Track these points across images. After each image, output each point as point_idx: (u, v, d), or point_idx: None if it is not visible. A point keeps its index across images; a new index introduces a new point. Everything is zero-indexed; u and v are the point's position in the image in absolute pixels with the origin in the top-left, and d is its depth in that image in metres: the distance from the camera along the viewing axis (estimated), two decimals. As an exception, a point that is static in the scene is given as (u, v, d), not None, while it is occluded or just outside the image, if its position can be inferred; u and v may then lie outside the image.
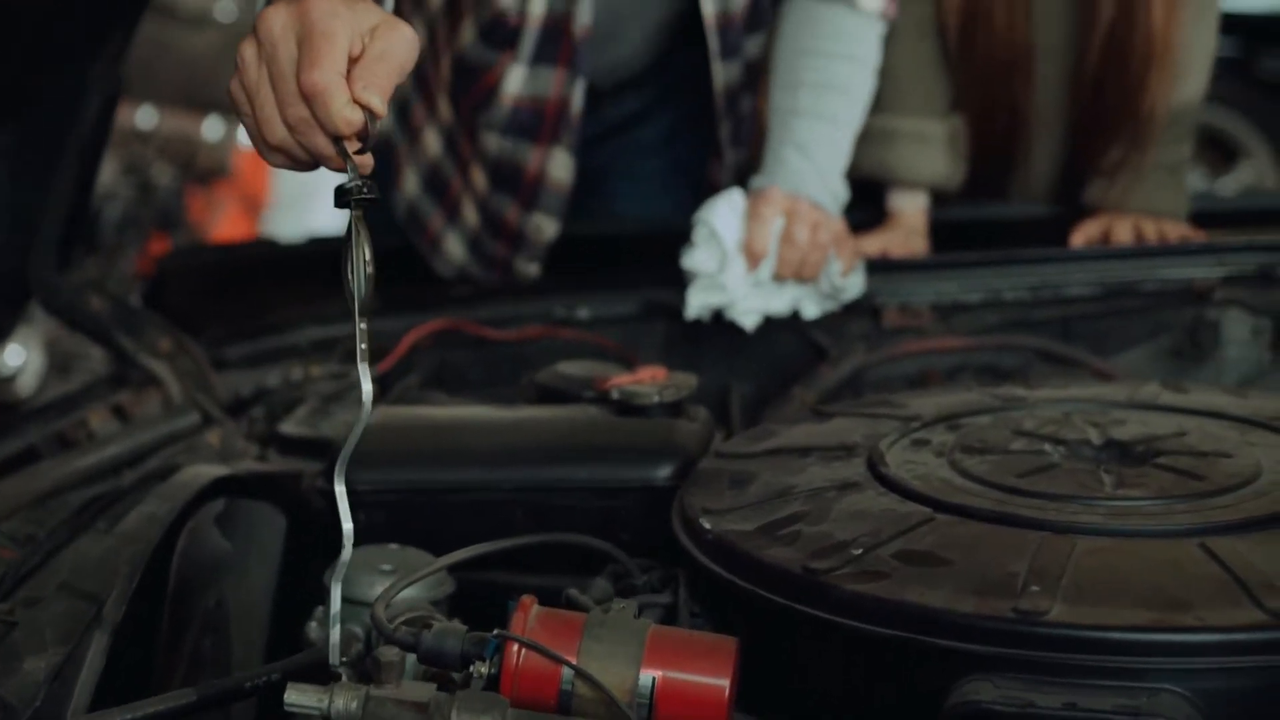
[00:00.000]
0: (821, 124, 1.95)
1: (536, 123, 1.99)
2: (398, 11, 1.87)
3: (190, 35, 4.75)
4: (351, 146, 1.11)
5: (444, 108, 2.08)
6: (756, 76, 2.14)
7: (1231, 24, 5.03)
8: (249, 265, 2.25)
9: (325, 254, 2.31)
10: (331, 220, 4.96)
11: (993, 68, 2.06)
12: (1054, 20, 2.07)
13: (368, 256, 1.08)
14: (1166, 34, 2.02)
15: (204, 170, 4.51)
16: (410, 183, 2.14)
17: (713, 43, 2.02)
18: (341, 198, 1.09)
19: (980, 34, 2.04)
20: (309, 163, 1.14)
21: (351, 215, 1.09)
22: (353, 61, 1.11)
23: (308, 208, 4.83)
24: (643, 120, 2.22)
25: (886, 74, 2.03)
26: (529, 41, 1.94)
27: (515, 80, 1.96)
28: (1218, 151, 5.03)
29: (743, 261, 1.85)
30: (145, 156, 4.37)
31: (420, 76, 2.07)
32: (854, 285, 1.90)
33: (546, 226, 2.03)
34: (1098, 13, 2.03)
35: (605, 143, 2.16)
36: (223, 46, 4.81)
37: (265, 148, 1.14)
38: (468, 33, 2.01)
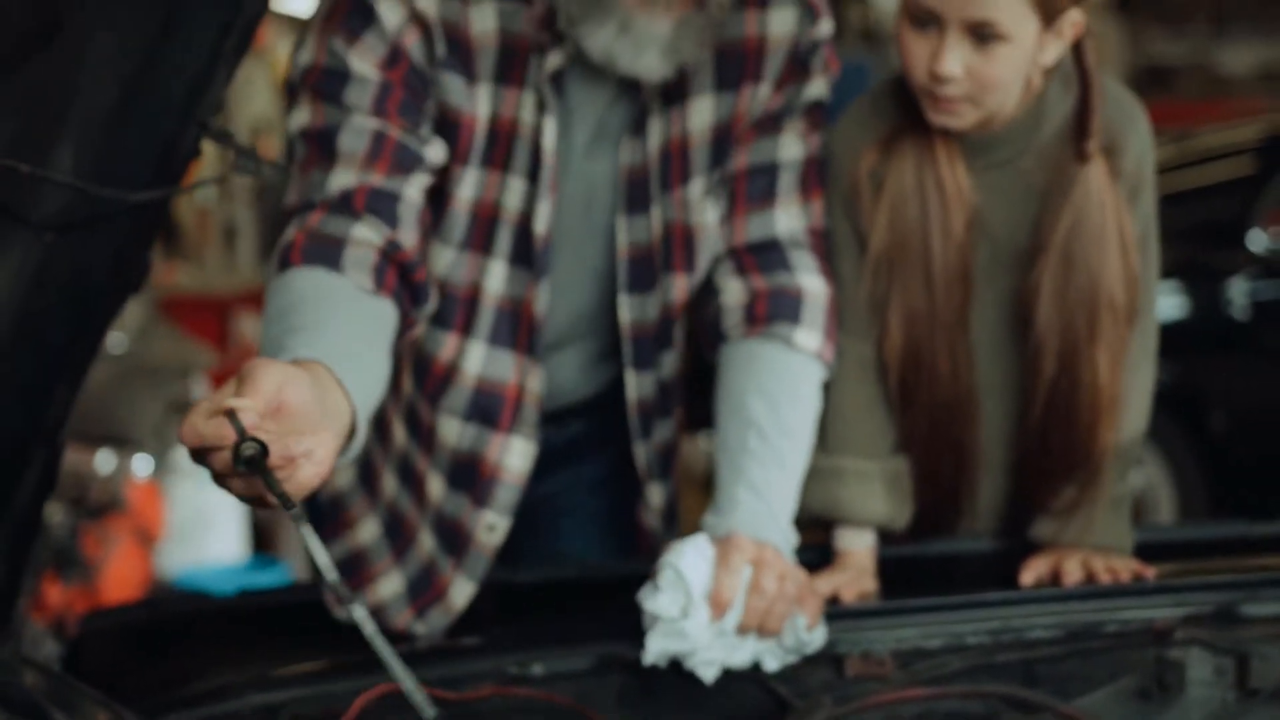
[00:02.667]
0: (772, 466, 1.95)
1: (496, 407, 2.00)
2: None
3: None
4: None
5: (399, 434, 2.08)
6: (672, 403, 2.14)
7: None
8: (178, 624, 2.17)
9: (258, 608, 2.26)
10: (226, 551, 4.90)
11: (936, 411, 2.08)
12: (996, 358, 2.09)
13: None
14: (1112, 388, 2.05)
15: (97, 505, 4.42)
16: (366, 531, 2.10)
17: (626, 351, 2.04)
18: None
19: (923, 378, 2.06)
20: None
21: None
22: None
23: (202, 539, 4.76)
24: (584, 454, 2.22)
25: (831, 414, 2.04)
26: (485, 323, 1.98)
27: (474, 361, 1.99)
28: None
29: (707, 610, 1.82)
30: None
31: (379, 422, 2.07)
32: (818, 638, 1.87)
33: (499, 525, 2.01)
34: (1040, 368, 2.06)
35: (546, 476, 2.13)
36: (112, 379, 4.77)
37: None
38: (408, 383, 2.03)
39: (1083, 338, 2.02)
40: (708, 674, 1.84)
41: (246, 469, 1.33)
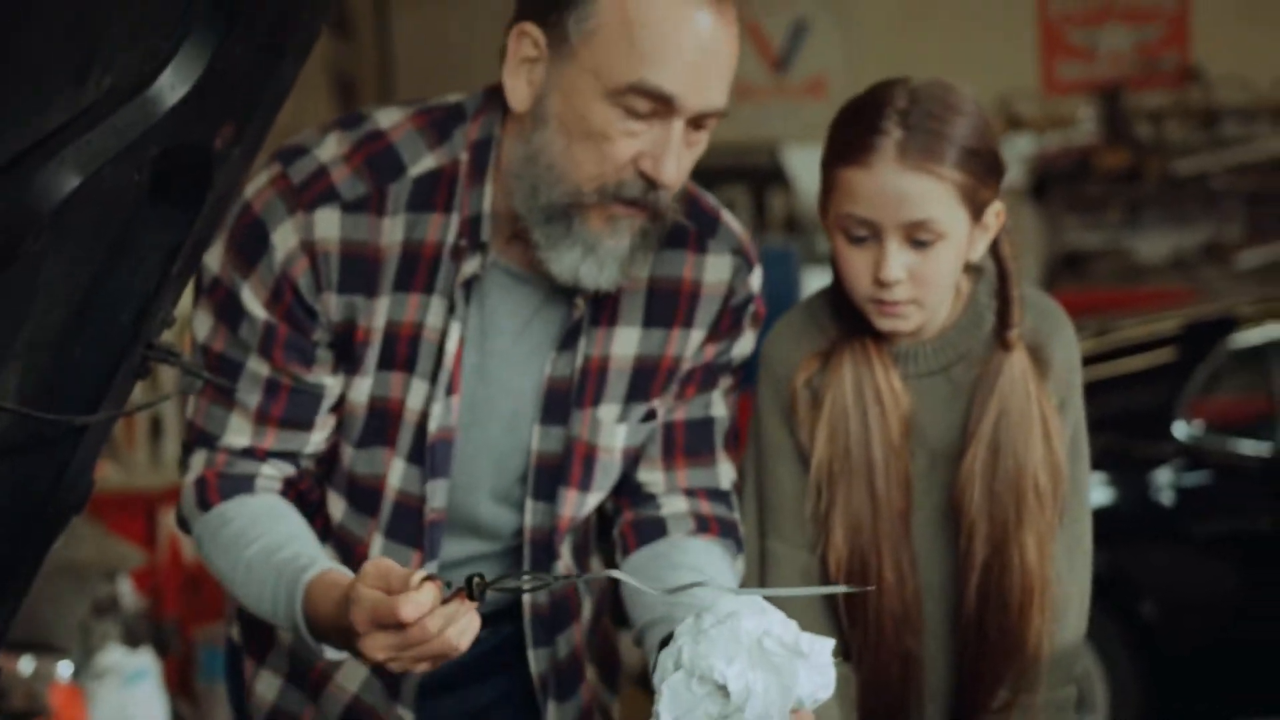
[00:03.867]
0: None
1: None
2: None
3: None
4: None
5: None
6: (567, 618, 2.13)
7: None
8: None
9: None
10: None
11: (883, 619, 2.08)
12: (934, 560, 2.11)
13: None
14: (1041, 571, 2.06)
15: (18, 711, 4.31)
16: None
17: (525, 554, 2.05)
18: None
19: (869, 592, 2.05)
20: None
21: None
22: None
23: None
24: (485, 672, 2.17)
25: (777, 624, 2.03)
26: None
27: (377, 552, 2.00)
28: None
29: None
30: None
31: None
32: None
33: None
34: (972, 556, 2.07)
35: (457, 690, 2.14)
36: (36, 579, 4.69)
37: None
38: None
39: (1011, 522, 2.04)
40: None
41: (482, 594, 1.61)
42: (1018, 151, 11.76)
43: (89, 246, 1.48)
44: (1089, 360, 5.79)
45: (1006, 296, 2.07)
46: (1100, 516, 5.17)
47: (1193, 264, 10.89)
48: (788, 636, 1.63)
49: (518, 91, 1.89)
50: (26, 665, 4.42)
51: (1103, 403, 5.48)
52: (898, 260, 1.96)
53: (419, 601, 1.59)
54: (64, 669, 4.48)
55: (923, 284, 1.98)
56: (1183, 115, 10.96)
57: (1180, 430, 5.19)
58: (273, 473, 1.99)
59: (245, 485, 1.97)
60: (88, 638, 4.74)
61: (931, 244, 1.96)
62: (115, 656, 4.78)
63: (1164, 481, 5.13)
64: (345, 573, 1.79)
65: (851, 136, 1.98)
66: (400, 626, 1.61)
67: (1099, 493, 5.22)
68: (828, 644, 1.66)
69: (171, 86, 1.43)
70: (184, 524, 2.02)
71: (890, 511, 2.05)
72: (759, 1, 11.53)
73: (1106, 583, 5.01)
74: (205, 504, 1.97)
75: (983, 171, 1.98)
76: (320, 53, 9.66)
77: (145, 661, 4.85)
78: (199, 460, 1.99)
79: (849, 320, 2.06)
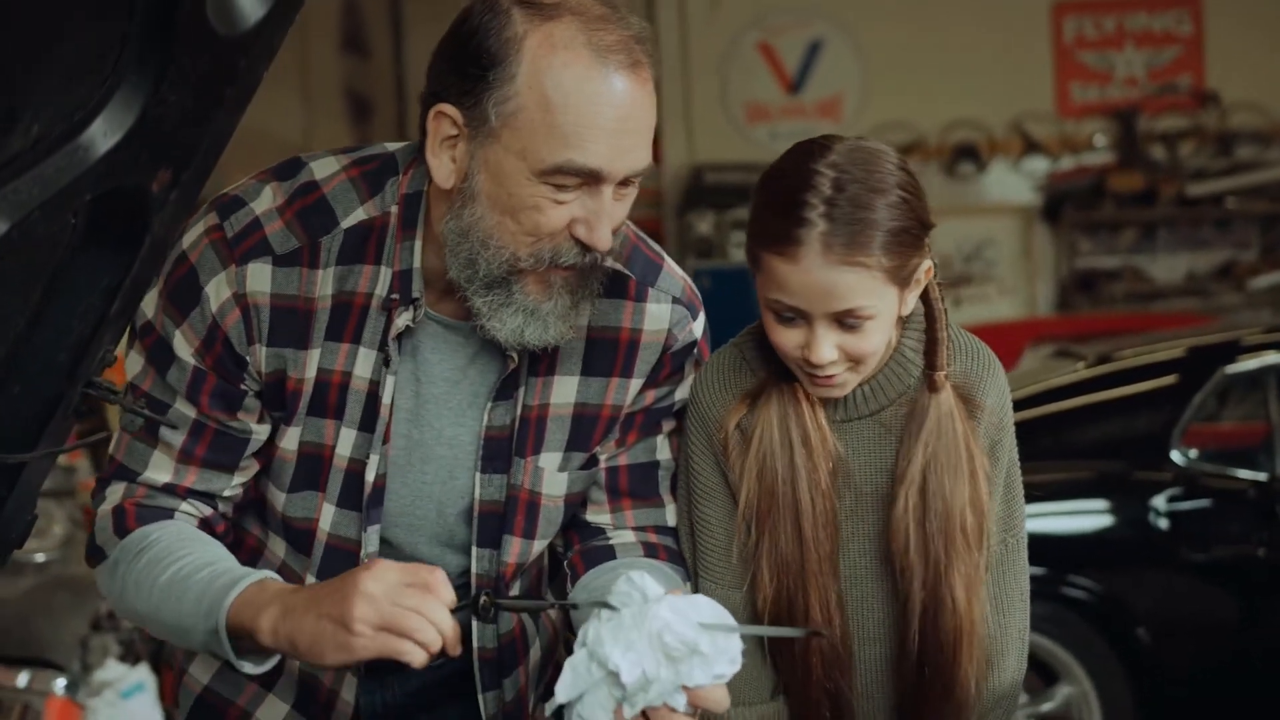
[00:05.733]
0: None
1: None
2: None
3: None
4: None
5: None
6: (514, 662, 2.16)
7: (1039, 548, 5.28)
8: None
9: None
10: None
11: (810, 657, 2.09)
12: (869, 605, 2.12)
13: None
14: (970, 612, 2.07)
15: (13, 726, 4.35)
16: None
17: (477, 675, 2.10)
18: None
19: (796, 625, 2.07)
20: None
21: None
22: None
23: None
24: (435, 704, 2.21)
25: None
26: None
27: None
28: (1038, 674, 5.11)
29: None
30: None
31: None
32: None
33: None
34: (911, 599, 2.08)
35: None
36: (33, 591, 4.74)
37: None
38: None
39: (941, 562, 2.05)
40: None
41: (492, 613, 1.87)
42: (1032, 173, 11.76)
43: (24, 287, 1.52)
44: (1090, 385, 5.83)
45: (933, 338, 2.07)
46: (1095, 541, 5.22)
47: (1207, 286, 10.87)
48: (688, 634, 1.70)
49: (442, 170, 1.92)
50: (22, 680, 4.46)
51: (1102, 428, 5.55)
52: (827, 342, 1.96)
53: (448, 584, 1.77)
54: (59, 684, 4.52)
55: (855, 356, 1.98)
56: (1197, 138, 10.93)
57: (1178, 456, 5.19)
58: (191, 510, 2.03)
59: (165, 515, 2.00)
60: (86, 653, 4.77)
61: (861, 325, 1.96)
62: (113, 671, 4.81)
63: (1160, 507, 5.13)
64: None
65: (775, 224, 1.95)
66: (423, 586, 1.74)
67: (1095, 518, 5.23)
68: (733, 642, 1.74)
69: (104, 134, 1.47)
70: (97, 553, 2.03)
71: (817, 553, 2.06)
72: (773, 23, 11.57)
73: (1100, 608, 5.06)
74: (123, 530, 1.99)
75: (910, 244, 1.97)
76: (335, 72, 9.71)
77: (142, 676, 4.88)
78: (117, 491, 2.02)
79: (777, 362, 2.07)
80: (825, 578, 2.07)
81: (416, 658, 1.72)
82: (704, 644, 1.71)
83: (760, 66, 12.11)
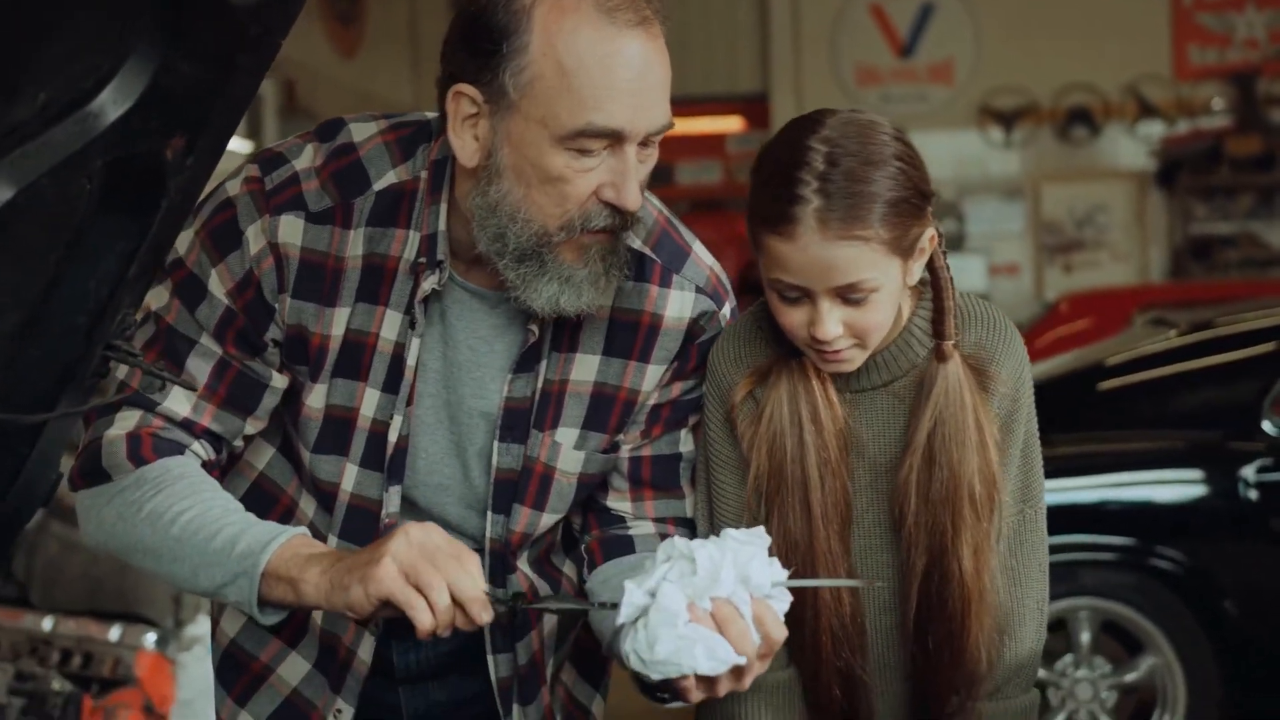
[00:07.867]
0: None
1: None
2: None
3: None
4: None
5: None
6: (525, 628, 2.17)
7: (1127, 517, 5.23)
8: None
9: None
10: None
11: (820, 636, 2.10)
12: (881, 572, 2.12)
13: None
14: (978, 581, 2.07)
15: (106, 678, 4.47)
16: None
17: (486, 635, 2.12)
18: None
19: (807, 604, 2.07)
20: None
21: None
22: None
23: (210, 714, 4.77)
24: (447, 671, 2.23)
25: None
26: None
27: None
28: (1121, 644, 5.08)
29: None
30: (42, 668, 4.32)
31: None
32: None
33: (345, 711, 2.10)
34: (913, 566, 2.08)
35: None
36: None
37: None
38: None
39: (948, 532, 2.05)
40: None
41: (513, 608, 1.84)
42: (1146, 137, 11.60)
43: (40, 252, 1.57)
44: (1182, 354, 5.76)
45: (941, 307, 2.06)
46: (1183, 511, 5.16)
47: (1324, 254, 10.70)
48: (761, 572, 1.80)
49: (465, 149, 1.95)
50: (114, 634, 4.57)
51: (1193, 397, 5.48)
52: (832, 318, 1.96)
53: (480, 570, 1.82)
54: (150, 638, 4.63)
55: (862, 331, 1.98)
56: (1318, 102, 10.75)
57: (1269, 426, 5.12)
58: (199, 452, 2.04)
59: (178, 450, 2.01)
60: (179, 609, 4.88)
61: (865, 299, 1.96)
62: (203, 626, 4.91)
63: (1250, 478, 5.06)
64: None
65: (771, 203, 1.95)
66: (459, 558, 1.79)
67: (1184, 488, 5.17)
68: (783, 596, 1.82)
69: (114, 102, 1.51)
70: (98, 475, 2.01)
71: (826, 531, 2.06)
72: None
73: (1187, 579, 5.01)
74: (139, 458, 2.00)
75: (910, 215, 1.96)
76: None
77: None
78: (130, 418, 2.02)
79: (786, 338, 2.05)
80: (835, 554, 2.07)
81: (423, 618, 1.76)
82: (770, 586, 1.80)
83: (871, 29, 12.05)
